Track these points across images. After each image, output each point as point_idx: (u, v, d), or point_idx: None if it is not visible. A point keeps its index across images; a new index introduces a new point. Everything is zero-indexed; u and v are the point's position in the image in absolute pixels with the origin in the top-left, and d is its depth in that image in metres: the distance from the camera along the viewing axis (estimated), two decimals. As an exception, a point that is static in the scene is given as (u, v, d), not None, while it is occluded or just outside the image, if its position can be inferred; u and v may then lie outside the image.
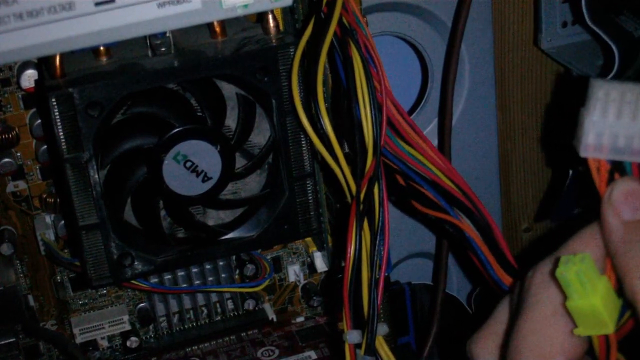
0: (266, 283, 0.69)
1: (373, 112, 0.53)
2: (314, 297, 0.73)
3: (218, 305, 0.71)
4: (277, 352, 0.69)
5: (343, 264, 0.54)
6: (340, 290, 0.54)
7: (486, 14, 0.76)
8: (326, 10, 0.53)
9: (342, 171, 0.54)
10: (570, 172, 0.73)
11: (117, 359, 0.70)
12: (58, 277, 0.67)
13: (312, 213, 0.62)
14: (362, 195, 0.53)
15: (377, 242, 0.53)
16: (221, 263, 0.69)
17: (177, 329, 0.71)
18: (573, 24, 0.76)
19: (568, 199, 0.75)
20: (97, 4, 0.50)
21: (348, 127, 0.55)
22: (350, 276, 0.53)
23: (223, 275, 0.69)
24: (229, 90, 0.60)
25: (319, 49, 0.53)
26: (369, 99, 0.53)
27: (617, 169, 0.38)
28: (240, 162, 0.61)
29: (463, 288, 0.84)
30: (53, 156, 0.60)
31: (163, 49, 0.57)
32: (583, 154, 0.38)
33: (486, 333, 0.44)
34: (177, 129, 0.57)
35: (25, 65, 0.59)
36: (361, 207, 0.53)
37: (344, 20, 0.54)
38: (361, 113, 0.53)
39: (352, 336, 0.54)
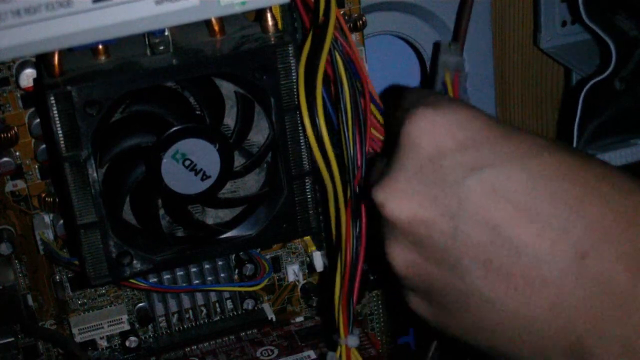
0: (265, 282, 0.69)
1: (355, 126, 0.55)
2: (313, 297, 0.73)
3: (217, 305, 0.71)
4: (276, 351, 0.69)
5: (341, 267, 0.56)
6: (340, 295, 0.55)
7: (486, 14, 0.76)
8: (319, 32, 0.55)
9: (332, 173, 0.56)
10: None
11: (116, 359, 0.70)
12: (57, 277, 0.67)
13: (311, 212, 0.61)
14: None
15: (357, 245, 0.55)
16: (220, 262, 0.69)
17: (176, 328, 0.71)
18: (572, 23, 0.77)
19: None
20: (94, 1, 0.50)
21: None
22: (350, 280, 0.55)
23: (222, 275, 0.69)
24: (227, 88, 0.60)
25: (317, 60, 0.55)
26: (350, 108, 0.55)
27: None
28: (239, 160, 0.61)
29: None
30: (52, 155, 0.60)
31: (162, 48, 0.57)
32: None
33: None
34: (176, 128, 0.57)
35: (24, 64, 0.59)
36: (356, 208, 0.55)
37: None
38: (342, 124, 0.56)
39: (352, 340, 0.56)
